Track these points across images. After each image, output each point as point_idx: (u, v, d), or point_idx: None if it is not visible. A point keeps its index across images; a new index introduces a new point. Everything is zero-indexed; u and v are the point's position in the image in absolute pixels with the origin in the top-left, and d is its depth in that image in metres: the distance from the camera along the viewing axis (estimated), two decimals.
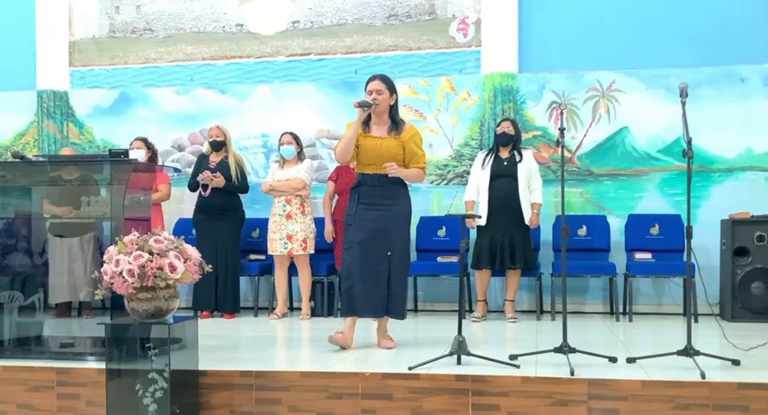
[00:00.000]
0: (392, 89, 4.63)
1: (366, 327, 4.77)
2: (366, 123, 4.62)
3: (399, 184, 4.65)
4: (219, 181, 6.19)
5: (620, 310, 6.23)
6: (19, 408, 4.07)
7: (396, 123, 4.65)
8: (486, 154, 6.12)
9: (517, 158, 6.02)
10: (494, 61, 6.83)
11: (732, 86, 6.53)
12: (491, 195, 5.96)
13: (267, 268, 6.58)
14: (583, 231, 6.50)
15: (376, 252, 4.53)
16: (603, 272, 6.27)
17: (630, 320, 6.03)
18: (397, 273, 4.59)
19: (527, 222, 5.94)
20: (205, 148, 6.59)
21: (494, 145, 6.17)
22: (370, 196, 4.59)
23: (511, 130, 6.06)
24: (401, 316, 4.69)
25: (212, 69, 7.38)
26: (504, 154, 6.07)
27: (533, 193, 6.01)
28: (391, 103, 4.63)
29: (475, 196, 6.05)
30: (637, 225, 6.46)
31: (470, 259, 6.10)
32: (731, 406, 3.50)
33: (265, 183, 6.37)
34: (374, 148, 4.57)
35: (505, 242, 5.90)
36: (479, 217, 4.77)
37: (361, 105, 4.52)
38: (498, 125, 6.17)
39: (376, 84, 4.58)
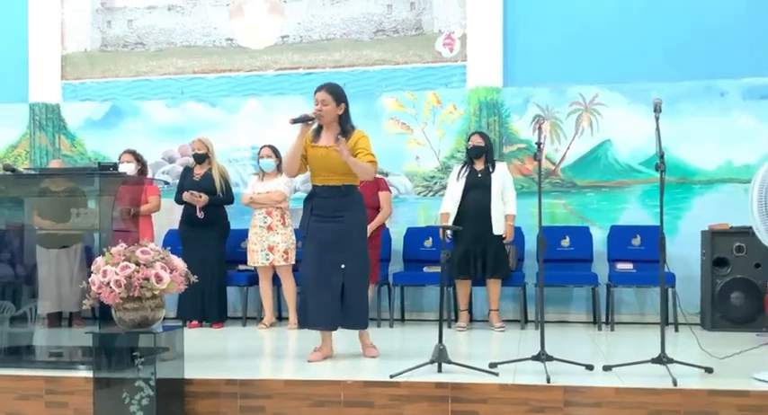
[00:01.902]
0: (339, 99, 4.55)
1: (352, 335, 4.84)
2: (318, 133, 4.59)
3: (351, 195, 4.61)
4: (203, 200, 6.29)
5: (603, 319, 6.33)
6: None
7: (345, 131, 4.55)
8: (462, 167, 6.25)
9: (491, 169, 6.14)
10: (479, 75, 6.95)
11: (712, 100, 6.67)
12: (465, 206, 6.06)
13: (255, 278, 6.64)
14: (566, 242, 6.61)
15: (329, 265, 4.49)
16: (586, 282, 6.37)
17: (612, 329, 6.13)
18: (353, 284, 4.54)
19: (499, 232, 6.03)
20: (191, 161, 6.69)
21: (467, 158, 6.28)
22: (322, 207, 4.55)
23: (481, 143, 6.18)
24: (360, 326, 4.66)
25: (203, 82, 7.49)
26: (479, 165, 6.19)
27: (507, 205, 6.11)
28: (339, 113, 4.55)
29: (450, 208, 6.14)
30: (619, 236, 6.57)
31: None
32: (702, 412, 3.60)
33: (245, 196, 6.46)
34: (321, 158, 4.53)
35: (478, 252, 6.00)
36: (460, 229, 4.86)
37: (297, 121, 4.46)
38: (468, 139, 6.28)
39: (320, 95, 4.52)
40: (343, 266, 4.51)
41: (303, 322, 4.68)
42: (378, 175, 6.52)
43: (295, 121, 4.47)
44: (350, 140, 4.53)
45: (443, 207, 6.25)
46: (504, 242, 6.10)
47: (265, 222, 6.31)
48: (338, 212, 4.54)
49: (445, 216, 6.16)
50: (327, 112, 4.52)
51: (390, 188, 6.87)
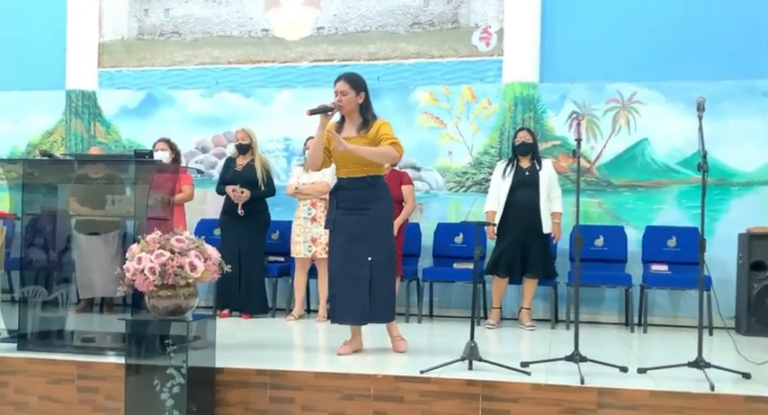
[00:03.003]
0: (358, 87, 4.48)
1: (381, 329, 4.81)
2: (340, 125, 4.53)
3: (377, 187, 4.54)
4: (245, 196, 6.28)
5: (636, 321, 6.23)
6: (40, 399, 4.19)
7: (366, 121, 4.49)
8: (507, 164, 6.15)
9: (537, 167, 6.06)
10: (515, 70, 6.87)
11: (753, 100, 6.52)
12: (512, 204, 5.97)
13: (286, 269, 6.66)
14: (600, 241, 6.51)
15: (356, 258, 4.45)
16: (619, 283, 6.28)
17: (645, 331, 6.05)
18: (380, 277, 4.49)
19: (548, 231, 5.96)
20: (231, 151, 6.69)
21: (513, 155, 6.20)
22: (347, 200, 4.50)
23: (529, 139, 6.10)
24: (388, 320, 4.62)
25: (237, 73, 7.50)
26: (525, 163, 6.10)
27: (553, 202, 6.03)
28: (359, 102, 4.48)
29: (496, 206, 6.05)
30: (654, 236, 6.47)
31: (485, 265, 6.13)
32: None
33: (290, 186, 6.44)
34: (344, 150, 4.39)
35: (522, 250, 5.94)
36: (494, 225, 4.79)
37: (314, 112, 4.39)
38: (515, 135, 6.19)
39: (339, 86, 4.46)
40: (369, 258, 4.46)
41: (332, 318, 4.65)
42: (400, 169, 6.47)
43: (313, 112, 4.40)
44: (371, 129, 4.48)
45: (489, 205, 6.16)
46: (555, 241, 6.04)
47: (309, 213, 6.30)
48: (364, 204, 4.48)
49: (492, 214, 6.07)
50: (347, 102, 4.46)
51: (422, 182, 6.84)
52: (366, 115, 4.52)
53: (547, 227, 5.95)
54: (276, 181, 6.66)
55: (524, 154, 6.10)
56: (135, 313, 4.18)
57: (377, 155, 4.43)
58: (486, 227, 5.90)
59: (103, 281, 4.61)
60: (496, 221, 5.96)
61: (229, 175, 6.44)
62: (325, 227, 4.75)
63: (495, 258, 6.04)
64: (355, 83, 4.50)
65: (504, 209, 5.99)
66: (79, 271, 4.69)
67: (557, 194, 6.05)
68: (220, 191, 6.48)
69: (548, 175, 6.03)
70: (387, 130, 4.48)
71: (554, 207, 6.02)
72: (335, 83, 4.51)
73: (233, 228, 6.37)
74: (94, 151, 7.18)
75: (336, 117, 4.57)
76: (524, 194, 5.96)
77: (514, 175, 6.04)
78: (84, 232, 4.72)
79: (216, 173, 7.09)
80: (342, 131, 4.51)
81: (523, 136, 6.11)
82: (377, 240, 4.49)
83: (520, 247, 5.94)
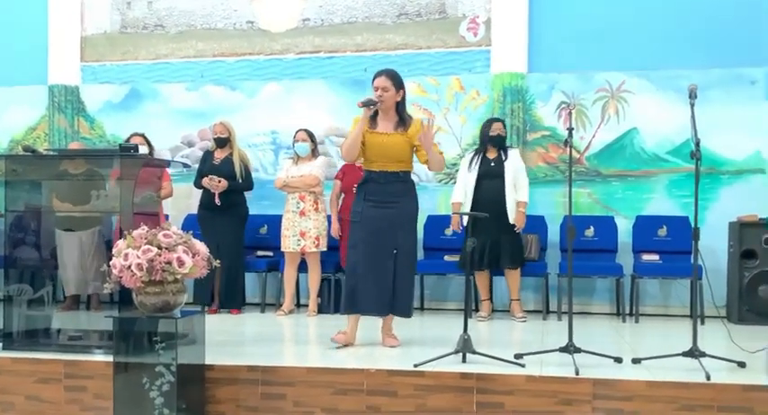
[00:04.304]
0: (398, 85, 4.55)
1: (372, 325, 4.78)
2: (373, 119, 4.57)
3: (406, 182, 4.61)
4: (222, 185, 6.20)
5: (627, 311, 6.22)
6: (27, 399, 4.11)
7: (403, 119, 4.57)
8: (474, 155, 6.12)
9: (503, 158, 6.01)
10: (503, 61, 6.83)
11: (742, 88, 6.51)
12: (478, 196, 5.95)
13: (274, 264, 6.60)
14: (590, 232, 6.49)
15: (381, 250, 4.48)
16: (610, 273, 6.27)
17: (637, 321, 6.03)
18: (403, 271, 4.53)
19: (512, 221, 5.92)
20: (210, 144, 6.61)
21: (481, 146, 6.15)
22: (377, 193, 4.54)
23: (504, 132, 6.08)
24: (407, 314, 4.65)
25: (222, 66, 7.41)
26: (492, 154, 6.06)
27: (519, 192, 5.97)
28: (398, 99, 4.55)
29: (462, 197, 6.03)
30: (644, 226, 6.45)
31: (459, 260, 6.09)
32: (736, 408, 3.51)
33: (279, 179, 6.37)
34: (380, 145, 4.53)
35: (492, 242, 5.88)
36: (486, 216, 4.77)
37: (366, 104, 4.47)
38: (490, 127, 6.12)
39: (381, 81, 4.52)
40: (395, 251, 4.49)
41: (350, 307, 4.60)
42: None
43: (364, 104, 4.47)
44: (411, 129, 4.53)
45: (455, 196, 6.14)
46: (516, 230, 5.98)
47: (298, 207, 6.23)
48: (394, 198, 4.53)
49: (457, 205, 6.05)
50: (388, 98, 4.51)
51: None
52: (402, 113, 4.59)
53: (511, 217, 5.91)
54: (263, 175, 6.59)
55: (497, 145, 6.06)
56: (122, 311, 4.11)
57: (438, 158, 4.57)
58: (452, 217, 6.03)
59: (88, 278, 4.54)
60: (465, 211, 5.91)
61: (207, 169, 6.34)
62: (351, 219, 4.73)
63: (464, 253, 5.98)
64: (396, 79, 4.55)
65: (472, 202, 5.95)
66: (62, 268, 4.62)
67: (523, 183, 6.01)
68: (198, 185, 6.38)
69: (513, 165, 5.99)
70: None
71: (519, 195, 5.97)
72: (374, 78, 4.55)
73: (211, 222, 6.28)
74: (75, 146, 7.06)
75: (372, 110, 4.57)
76: (490, 185, 5.93)
77: (480, 166, 6.01)
78: (65, 228, 4.65)
79: None
80: (377, 126, 4.56)
81: (499, 128, 6.07)
82: (403, 234, 4.55)
83: (489, 239, 5.88)
